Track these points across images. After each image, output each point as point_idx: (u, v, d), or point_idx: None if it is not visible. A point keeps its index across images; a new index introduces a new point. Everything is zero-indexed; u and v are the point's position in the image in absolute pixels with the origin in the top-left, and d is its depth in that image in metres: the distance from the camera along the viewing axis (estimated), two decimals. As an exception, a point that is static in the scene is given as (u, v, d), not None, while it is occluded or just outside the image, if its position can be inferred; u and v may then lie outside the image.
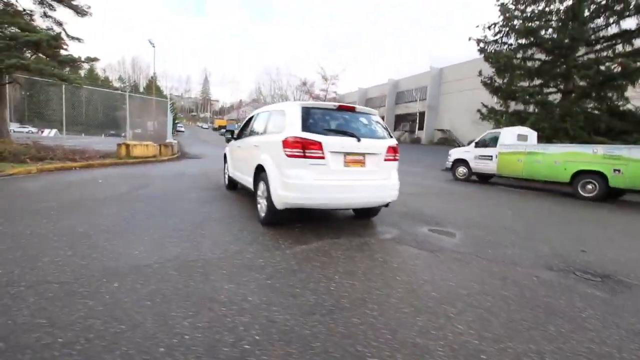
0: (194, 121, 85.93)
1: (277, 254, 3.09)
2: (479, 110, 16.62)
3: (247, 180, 4.82)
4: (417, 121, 38.44)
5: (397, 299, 2.34)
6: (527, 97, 14.80)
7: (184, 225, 3.88)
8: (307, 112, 3.66)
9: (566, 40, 13.47)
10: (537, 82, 15.43)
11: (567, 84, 14.59)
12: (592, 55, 13.81)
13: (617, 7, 12.86)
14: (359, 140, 3.68)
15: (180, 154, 15.87)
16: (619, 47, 13.41)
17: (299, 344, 1.75)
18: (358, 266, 2.93)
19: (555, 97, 15.01)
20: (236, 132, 6.06)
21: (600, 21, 13.69)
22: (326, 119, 3.75)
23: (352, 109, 3.94)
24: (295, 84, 35.36)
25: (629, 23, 13.04)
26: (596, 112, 13.41)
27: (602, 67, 12.82)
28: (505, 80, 15.77)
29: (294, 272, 2.72)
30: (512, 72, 15.11)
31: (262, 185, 4.10)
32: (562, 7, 14.62)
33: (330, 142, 3.54)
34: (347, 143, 3.64)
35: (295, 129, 3.56)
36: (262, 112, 5.01)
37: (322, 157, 3.51)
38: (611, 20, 13.40)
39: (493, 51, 16.02)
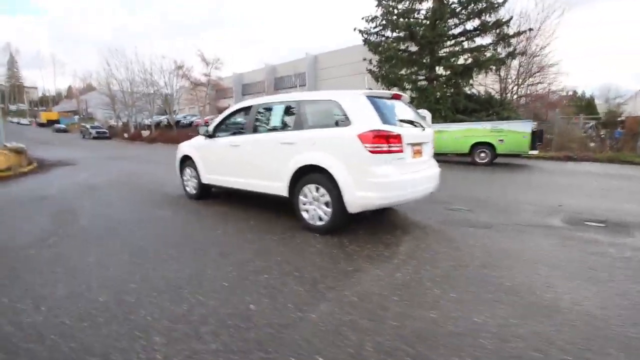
0: (2, 115, 62.94)
1: (392, 264, 2.82)
2: (370, 95, 18.58)
3: (267, 185, 4.05)
4: (299, 107, 39.50)
5: (559, 277, 2.56)
6: (407, 83, 17.52)
7: (246, 255, 3.02)
8: (374, 102, 3.33)
9: (432, 37, 16.39)
10: (410, 70, 18.34)
11: (431, 73, 17.92)
12: (449, 49, 17.32)
13: (463, 12, 16.55)
14: (423, 129, 3.62)
15: (37, 162, 11.57)
16: (466, 44, 17.32)
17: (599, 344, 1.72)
18: (475, 255, 2.99)
19: (423, 84, 18.25)
20: (210, 128, 4.91)
21: (451, 22, 17.23)
22: (389, 109, 3.51)
23: (399, 97, 3.79)
24: (165, 67, 29.80)
25: (471, 25, 17.04)
26: (456, 95, 17.05)
27: (460, 59, 16.35)
28: (387, 68, 18.12)
29: (448, 278, 2.57)
30: (396, 61, 17.42)
31: (311, 190, 3.55)
32: (422, 7, 17.68)
33: (406, 134, 3.36)
34: (416, 133, 3.53)
35: (373, 122, 3.20)
36: (274, 104, 4.17)
37: (402, 151, 3.30)
38: (458, 22, 17.12)
39: (378, 41, 18.08)
